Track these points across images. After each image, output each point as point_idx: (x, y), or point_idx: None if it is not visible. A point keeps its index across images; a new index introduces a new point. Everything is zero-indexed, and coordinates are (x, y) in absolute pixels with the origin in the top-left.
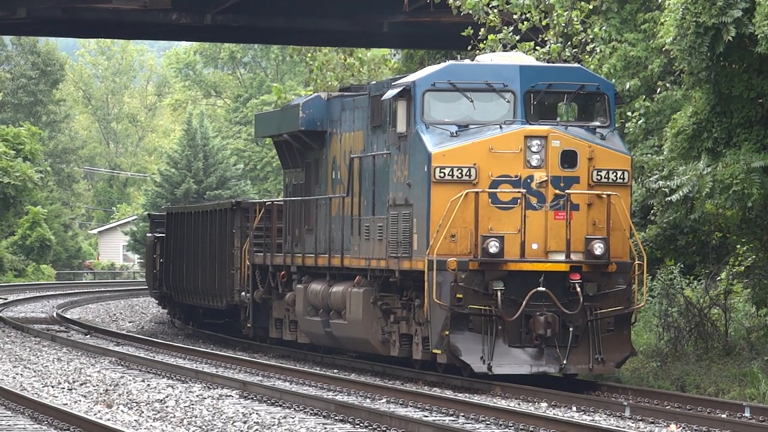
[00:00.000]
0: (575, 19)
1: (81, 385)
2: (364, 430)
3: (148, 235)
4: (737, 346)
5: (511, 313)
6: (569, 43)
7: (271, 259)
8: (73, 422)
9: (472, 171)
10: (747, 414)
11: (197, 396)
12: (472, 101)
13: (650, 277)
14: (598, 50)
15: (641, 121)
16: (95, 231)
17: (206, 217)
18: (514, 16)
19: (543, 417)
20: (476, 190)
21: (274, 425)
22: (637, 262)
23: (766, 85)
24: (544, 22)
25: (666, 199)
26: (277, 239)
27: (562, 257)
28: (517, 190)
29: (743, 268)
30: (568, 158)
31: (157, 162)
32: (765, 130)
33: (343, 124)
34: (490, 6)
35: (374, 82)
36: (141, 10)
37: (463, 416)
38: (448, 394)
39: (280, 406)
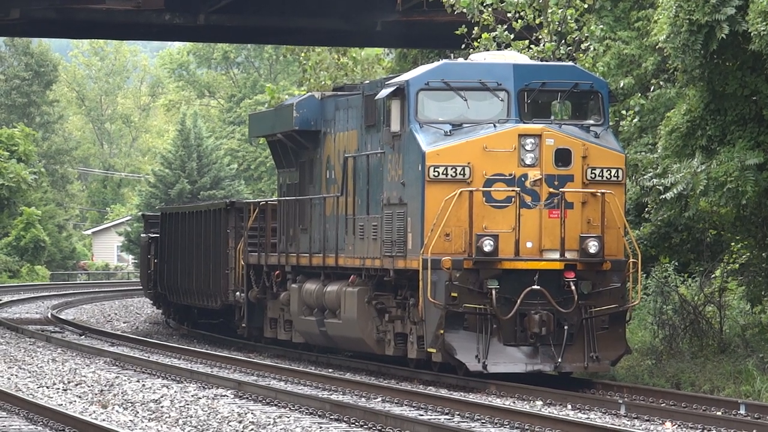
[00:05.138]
0: (569, 17)
1: (76, 385)
2: (360, 429)
3: (143, 235)
4: (732, 344)
5: (506, 312)
6: (563, 41)
7: (265, 259)
8: (68, 423)
9: (466, 170)
10: (742, 411)
11: (192, 396)
12: (465, 100)
13: (645, 275)
14: (592, 48)
15: (635, 119)
16: (89, 232)
17: (200, 218)
18: (508, 15)
19: (538, 415)
20: (470, 188)
21: (269, 425)
22: (631, 260)
23: (760, 82)
24: (538, 21)
25: (660, 197)
26: (272, 239)
27: (556, 255)
28: (511, 188)
29: (738, 265)
30: (563, 156)
31: (150, 162)
32: (759, 127)
33: (337, 124)
34: (484, 4)
35: (368, 82)
36: (134, 11)
37: (459, 415)
38: (443, 392)
39: (276, 405)
